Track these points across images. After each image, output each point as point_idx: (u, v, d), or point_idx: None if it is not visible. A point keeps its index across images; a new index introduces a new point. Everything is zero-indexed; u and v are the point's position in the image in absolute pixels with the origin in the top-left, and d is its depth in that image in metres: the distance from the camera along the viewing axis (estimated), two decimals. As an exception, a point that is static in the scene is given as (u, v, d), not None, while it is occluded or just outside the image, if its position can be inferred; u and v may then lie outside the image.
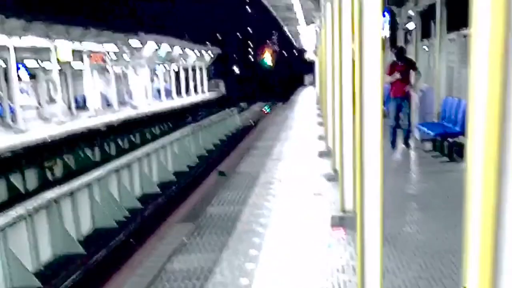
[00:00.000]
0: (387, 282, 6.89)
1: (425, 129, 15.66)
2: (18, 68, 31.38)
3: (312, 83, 54.70)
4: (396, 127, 16.37)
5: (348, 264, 8.73)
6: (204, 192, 17.98)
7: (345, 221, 10.77)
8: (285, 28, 45.62)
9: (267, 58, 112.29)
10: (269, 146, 24.23)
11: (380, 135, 6.24)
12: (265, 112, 60.96)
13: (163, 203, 17.98)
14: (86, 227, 15.16)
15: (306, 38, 49.11)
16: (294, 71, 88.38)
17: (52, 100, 35.68)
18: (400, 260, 8.45)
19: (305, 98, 48.86)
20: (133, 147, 23.28)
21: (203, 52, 65.32)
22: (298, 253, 9.28)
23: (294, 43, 70.47)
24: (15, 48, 25.64)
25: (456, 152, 14.38)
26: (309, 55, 64.41)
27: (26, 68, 37.04)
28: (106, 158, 18.91)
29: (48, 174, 17.84)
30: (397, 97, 16.20)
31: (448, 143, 14.77)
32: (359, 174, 6.38)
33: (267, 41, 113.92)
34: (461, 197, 3.56)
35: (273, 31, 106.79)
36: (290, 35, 55.83)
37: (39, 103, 36.60)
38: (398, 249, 8.81)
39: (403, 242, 9.17)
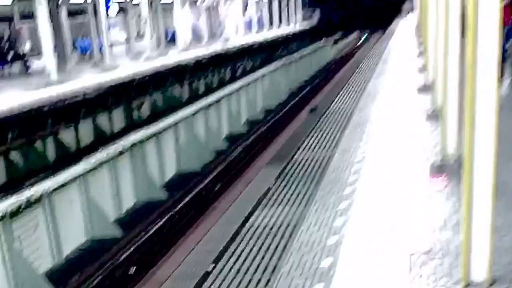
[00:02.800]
0: (496, 242, 6.01)
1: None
2: (107, 3, 31.25)
3: (411, 10, 52.13)
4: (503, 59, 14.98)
5: (451, 220, 7.88)
6: (294, 132, 17.35)
7: (447, 168, 9.83)
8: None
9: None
10: (364, 81, 23.21)
11: (496, 64, 5.29)
12: (361, 43, 59.03)
13: (251, 144, 17.51)
14: (170, 172, 14.91)
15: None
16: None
17: (141, 36, 35.61)
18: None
19: (403, 28, 46.72)
20: (223, 83, 22.75)
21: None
22: (393, 207, 8.50)
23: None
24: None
25: None
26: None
27: (114, 2, 36.95)
28: (194, 96, 18.47)
29: (135, 114, 17.62)
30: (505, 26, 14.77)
31: None
32: (468, 112, 5.46)
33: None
34: None
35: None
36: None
37: (128, 39, 36.60)
38: (509, 203, 7.85)
39: (514, 195, 8.21)
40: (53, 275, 9.58)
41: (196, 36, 41.61)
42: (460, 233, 7.21)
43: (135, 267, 9.71)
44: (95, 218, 11.18)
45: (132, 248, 10.19)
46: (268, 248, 8.11)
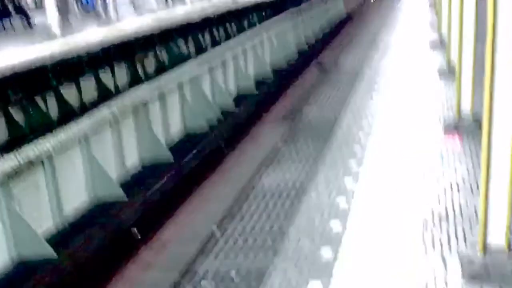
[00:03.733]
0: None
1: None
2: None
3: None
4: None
5: (465, 181, 7.61)
6: (303, 88, 16.99)
7: (461, 126, 9.53)
8: None
9: None
10: (374, 35, 22.73)
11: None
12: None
13: (259, 101, 17.16)
14: (175, 131, 14.60)
15: None
16: None
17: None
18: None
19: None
20: (229, 38, 22.21)
21: None
22: (404, 167, 8.23)
23: None
24: None
25: None
26: None
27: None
28: (200, 52, 18.01)
29: (139, 70, 17.25)
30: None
31: None
32: (488, 68, 5.14)
33: None
34: None
35: None
36: None
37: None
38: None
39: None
40: (54, 237, 9.41)
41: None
42: (475, 195, 6.95)
43: (138, 229, 9.53)
44: (97, 179, 10.96)
45: (135, 210, 9.99)
46: (275, 208, 7.88)
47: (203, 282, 6.53)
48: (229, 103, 17.26)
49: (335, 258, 5.73)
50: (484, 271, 5.14)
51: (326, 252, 5.93)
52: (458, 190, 7.29)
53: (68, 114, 13.34)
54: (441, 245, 5.88)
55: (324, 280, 5.32)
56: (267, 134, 13.23)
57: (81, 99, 14.65)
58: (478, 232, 5.28)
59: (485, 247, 5.30)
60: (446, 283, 5.19)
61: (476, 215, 6.28)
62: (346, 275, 5.42)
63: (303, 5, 31.30)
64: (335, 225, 6.59)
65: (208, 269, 6.90)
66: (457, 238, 5.99)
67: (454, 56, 11.14)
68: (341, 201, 7.24)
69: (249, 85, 19.46)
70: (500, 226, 5.25)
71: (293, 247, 6.10)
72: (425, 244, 5.92)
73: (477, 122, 9.28)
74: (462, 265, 5.29)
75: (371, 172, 8.17)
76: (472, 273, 5.17)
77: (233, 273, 6.69)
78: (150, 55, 17.28)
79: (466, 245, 5.68)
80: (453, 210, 6.73)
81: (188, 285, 6.45)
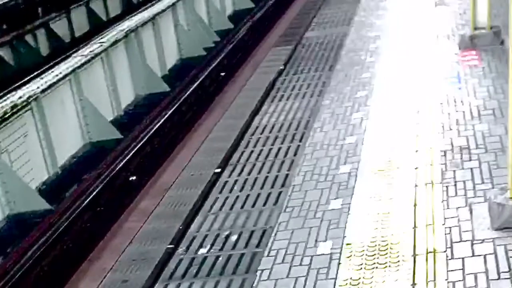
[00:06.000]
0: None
1: None
2: None
3: None
4: None
5: (486, 106, 6.98)
6: (304, 6, 16.05)
7: (479, 40, 8.77)
8: None
9: None
10: None
11: None
12: None
13: (258, 21, 16.27)
14: (171, 60, 13.86)
15: None
16: None
17: None
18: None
19: None
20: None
21: None
22: (418, 90, 7.61)
23: None
24: None
25: None
26: None
27: None
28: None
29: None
30: None
31: None
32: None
33: None
34: None
35: None
36: None
37: None
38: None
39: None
40: (47, 188, 8.93)
41: None
42: (499, 124, 6.35)
43: (136, 175, 9.04)
44: (90, 121, 10.36)
45: (132, 153, 9.45)
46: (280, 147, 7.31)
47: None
48: (226, 25, 16.45)
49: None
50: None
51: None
52: (479, 117, 6.66)
53: (54, 52, 12.69)
54: (465, 188, 5.32)
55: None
56: (269, 56, 12.48)
57: (68, 34, 13.96)
58: (508, 175, 4.67)
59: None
60: (473, 234, 4.67)
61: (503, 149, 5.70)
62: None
63: None
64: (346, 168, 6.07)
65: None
66: (480, 179, 5.41)
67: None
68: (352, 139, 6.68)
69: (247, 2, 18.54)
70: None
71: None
72: (446, 187, 5.37)
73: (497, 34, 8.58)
74: (491, 213, 4.74)
75: (381, 101, 7.58)
76: (502, 223, 4.63)
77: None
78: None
79: (492, 188, 5.10)
80: (475, 142, 6.14)
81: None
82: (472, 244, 4.55)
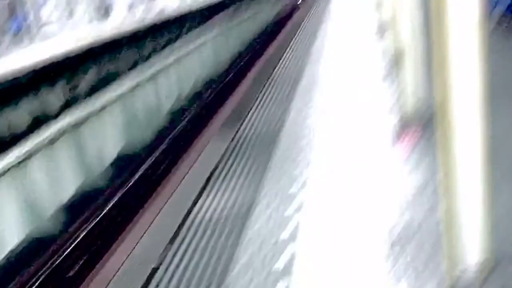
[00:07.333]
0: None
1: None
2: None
3: None
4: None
5: (426, 189, 7.03)
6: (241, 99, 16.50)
7: (415, 125, 8.86)
8: None
9: None
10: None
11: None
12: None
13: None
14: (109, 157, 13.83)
15: None
16: None
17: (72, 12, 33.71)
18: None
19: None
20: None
21: None
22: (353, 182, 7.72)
23: None
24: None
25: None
26: None
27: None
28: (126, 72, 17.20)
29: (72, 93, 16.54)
30: None
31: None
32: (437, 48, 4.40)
33: None
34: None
35: None
36: None
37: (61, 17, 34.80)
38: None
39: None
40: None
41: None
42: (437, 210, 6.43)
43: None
44: (31, 216, 10.21)
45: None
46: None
47: None
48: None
49: None
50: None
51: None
52: (418, 203, 6.80)
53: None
54: (408, 270, 5.40)
55: None
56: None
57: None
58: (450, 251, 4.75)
59: (461, 268, 4.71)
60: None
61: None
62: None
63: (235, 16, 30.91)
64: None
65: None
66: (424, 259, 5.51)
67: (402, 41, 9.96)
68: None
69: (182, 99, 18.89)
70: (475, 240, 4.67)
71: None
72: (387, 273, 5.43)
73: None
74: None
75: (318, 197, 7.61)
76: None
77: None
78: (80, 77, 16.62)
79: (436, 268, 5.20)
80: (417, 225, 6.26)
81: None
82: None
